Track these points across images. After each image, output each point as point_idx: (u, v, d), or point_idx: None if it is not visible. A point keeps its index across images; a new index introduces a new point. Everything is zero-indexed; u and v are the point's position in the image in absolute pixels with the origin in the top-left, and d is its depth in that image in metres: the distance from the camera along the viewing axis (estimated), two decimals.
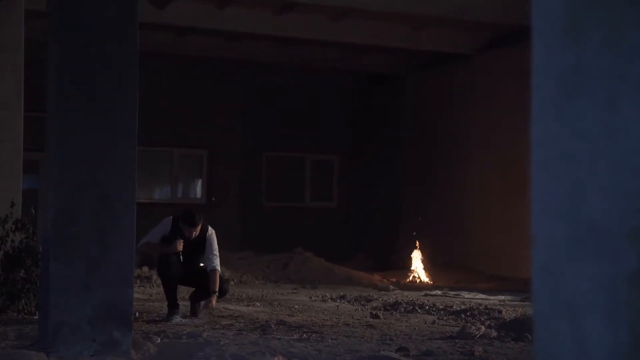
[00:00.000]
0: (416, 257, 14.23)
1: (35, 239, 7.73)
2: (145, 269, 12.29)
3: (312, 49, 15.96)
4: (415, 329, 7.42)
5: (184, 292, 8.45)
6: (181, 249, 7.70)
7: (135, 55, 5.52)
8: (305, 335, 6.71)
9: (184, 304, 8.00)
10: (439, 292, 11.32)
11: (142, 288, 10.78)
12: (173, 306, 7.69)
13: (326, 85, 17.96)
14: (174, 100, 16.61)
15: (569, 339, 1.61)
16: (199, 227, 7.81)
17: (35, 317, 7.12)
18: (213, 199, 16.94)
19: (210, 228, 7.96)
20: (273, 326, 7.11)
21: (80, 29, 5.45)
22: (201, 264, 7.87)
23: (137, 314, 7.53)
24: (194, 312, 7.84)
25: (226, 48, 15.65)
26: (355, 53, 16.23)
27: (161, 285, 8.11)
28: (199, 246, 7.86)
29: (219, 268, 7.82)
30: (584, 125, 1.58)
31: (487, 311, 8.39)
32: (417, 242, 14.50)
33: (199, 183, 17.58)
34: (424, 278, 13.90)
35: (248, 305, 9.11)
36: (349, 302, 9.86)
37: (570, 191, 1.62)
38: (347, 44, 15.23)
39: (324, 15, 13.94)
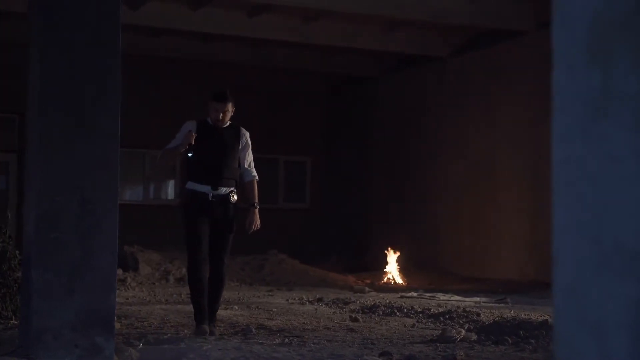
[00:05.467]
0: (390, 258, 14.28)
1: (11, 242, 7.63)
2: (119, 271, 12.19)
3: (285, 50, 15.96)
4: (395, 332, 7.43)
5: None
6: (192, 141, 6.78)
7: (118, 58, 5.46)
8: (287, 339, 6.70)
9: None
10: (415, 294, 11.35)
11: (117, 291, 10.65)
12: (202, 318, 7.00)
13: (299, 87, 17.96)
14: (146, 101, 16.51)
15: (594, 359, 1.62)
16: (228, 105, 6.87)
17: (11, 322, 7.04)
18: None
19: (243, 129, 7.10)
20: (254, 330, 7.10)
21: (61, 32, 5.39)
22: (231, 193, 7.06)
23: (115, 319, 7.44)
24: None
25: (199, 49, 15.61)
26: (328, 55, 16.25)
27: (189, 293, 7.26)
28: (231, 144, 6.95)
29: (257, 177, 7.18)
30: (610, 147, 1.60)
31: (465, 314, 8.43)
32: (390, 244, 14.55)
33: (171, 184, 17.48)
34: (398, 280, 13.96)
35: (226, 309, 9.07)
36: (326, 304, 9.87)
37: (595, 211, 1.63)
38: (320, 46, 15.25)
39: (297, 17, 13.95)
